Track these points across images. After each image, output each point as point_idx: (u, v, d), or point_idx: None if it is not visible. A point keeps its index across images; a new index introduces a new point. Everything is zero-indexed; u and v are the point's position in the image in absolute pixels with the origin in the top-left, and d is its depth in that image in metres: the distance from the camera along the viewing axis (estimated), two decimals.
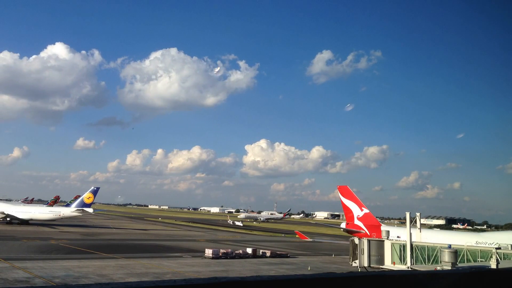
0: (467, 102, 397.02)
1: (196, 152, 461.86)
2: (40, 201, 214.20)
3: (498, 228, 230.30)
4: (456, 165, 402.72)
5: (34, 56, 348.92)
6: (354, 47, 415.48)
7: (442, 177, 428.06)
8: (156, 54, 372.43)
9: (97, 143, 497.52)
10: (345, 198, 68.77)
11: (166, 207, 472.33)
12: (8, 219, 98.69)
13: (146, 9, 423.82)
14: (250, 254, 60.23)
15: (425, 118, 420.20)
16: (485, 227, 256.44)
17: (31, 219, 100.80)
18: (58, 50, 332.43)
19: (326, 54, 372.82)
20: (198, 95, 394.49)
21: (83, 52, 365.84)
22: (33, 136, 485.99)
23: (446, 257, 28.04)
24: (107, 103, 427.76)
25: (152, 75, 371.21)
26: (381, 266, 37.93)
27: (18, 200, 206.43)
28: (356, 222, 66.52)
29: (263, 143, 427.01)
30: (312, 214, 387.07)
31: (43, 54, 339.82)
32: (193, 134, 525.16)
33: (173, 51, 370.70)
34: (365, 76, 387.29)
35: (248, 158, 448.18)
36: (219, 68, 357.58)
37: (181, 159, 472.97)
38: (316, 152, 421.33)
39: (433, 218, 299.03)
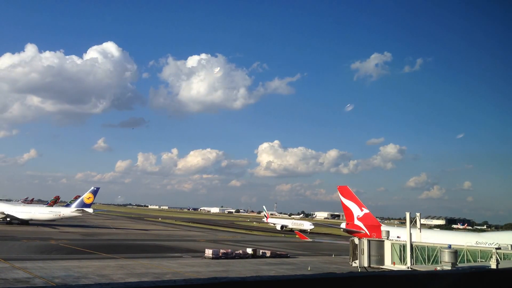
0: (477, 105, 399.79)
1: (209, 153, 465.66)
2: (40, 201, 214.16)
3: (498, 228, 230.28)
4: (471, 166, 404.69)
5: (72, 58, 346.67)
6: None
7: (453, 178, 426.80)
8: (193, 58, 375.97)
9: (116, 144, 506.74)
10: (345, 198, 68.80)
11: (166, 207, 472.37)
12: (8, 219, 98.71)
13: (191, 14, 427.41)
14: (250, 254, 60.24)
15: (441, 120, 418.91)
16: (485, 227, 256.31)
17: (31, 219, 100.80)
18: (96, 53, 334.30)
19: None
20: (226, 98, 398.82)
21: (122, 54, 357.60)
22: (56, 137, 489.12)
23: (446, 257, 28.02)
24: (138, 105, 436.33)
25: (185, 78, 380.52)
26: (381, 266, 37.91)
27: (18, 200, 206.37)
28: (356, 222, 66.55)
29: (276, 144, 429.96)
30: (312, 214, 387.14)
31: (80, 56, 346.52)
32: (213, 135, 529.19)
33: (206, 55, 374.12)
34: (385, 80, 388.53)
35: (260, 159, 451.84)
36: (218, 68, 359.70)
37: (194, 159, 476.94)
38: (331, 154, 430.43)
39: (433, 218, 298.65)
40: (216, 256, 55.77)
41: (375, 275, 4.02)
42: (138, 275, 41.01)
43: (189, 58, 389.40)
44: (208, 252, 56.49)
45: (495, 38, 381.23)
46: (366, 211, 66.76)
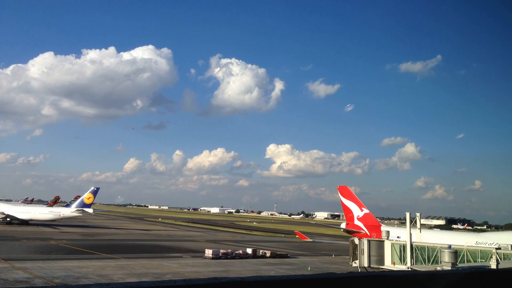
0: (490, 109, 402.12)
1: (220, 154, 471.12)
2: (40, 201, 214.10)
3: (498, 228, 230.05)
4: (480, 167, 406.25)
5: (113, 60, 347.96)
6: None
7: (462, 178, 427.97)
8: (227, 61, 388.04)
9: (135, 145, 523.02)
10: (345, 198, 68.72)
11: (166, 208, 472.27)
12: (8, 219, 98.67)
13: (229, 18, 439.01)
14: (250, 254, 60.22)
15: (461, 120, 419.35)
16: (485, 227, 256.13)
17: (31, 220, 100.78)
18: (137, 54, 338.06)
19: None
20: (257, 101, 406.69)
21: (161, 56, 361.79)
22: (79, 137, 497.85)
23: (446, 257, 27.97)
24: (164, 107, 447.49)
25: (218, 81, 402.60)
26: (381, 267, 37.87)
27: (18, 201, 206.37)
28: (356, 222, 66.48)
29: (287, 146, 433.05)
30: (312, 214, 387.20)
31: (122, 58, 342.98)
32: (234, 137, 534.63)
33: (237, 60, 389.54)
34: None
35: (271, 160, 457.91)
36: (219, 68, 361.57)
37: (205, 160, 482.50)
38: (349, 155, 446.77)
39: (433, 218, 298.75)
40: (216, 256, 55.75)
41: (375, 275, 4.02)
42: (138, 275, 40.99)
43: (222, 62, 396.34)
44: (208, 252, 56.47)
45: None
46: (366, 211, 66.69)
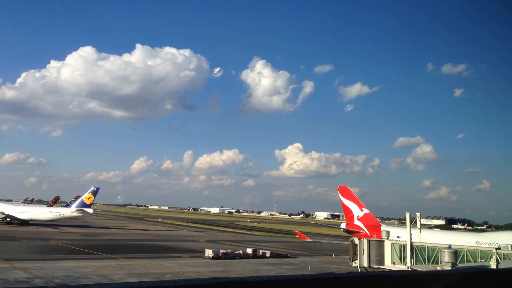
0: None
1: (229, 155, 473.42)
2: (40, 202, 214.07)
3: (498, 228, 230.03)
4: (486, 167, 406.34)
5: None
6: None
7: (469, 179, 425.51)
8: (258, 64, 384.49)
9: (149, 145, 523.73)
10: (345, 198, 68.73)
11: (166, 208, 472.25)
12: (8, 219, 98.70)
13: (252, 20, 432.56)
14: (250, 254, 60.24)
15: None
16: (485, 227, 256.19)
17: (31, 220, 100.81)
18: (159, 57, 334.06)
19: None
20: (280, 104, 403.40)
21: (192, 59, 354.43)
22: (98, 138, 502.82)
23: (446, 257, 27.98)
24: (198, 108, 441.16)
25: (244, 85, 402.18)
26: (381, 267, 37.88)
27: (18, 201, 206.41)
28: (356, 222, 66.50)
29: (297, 146, 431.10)
30: (312, 214, 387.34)
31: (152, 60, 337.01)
32: (248, 138, 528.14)
33: (263, 61, 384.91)
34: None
35: (280, 161, 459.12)
36: (218, 68, 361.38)
37: (213, 161, 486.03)
38: (361, 157, 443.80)
39: (433, 218, 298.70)
40: (216, 256, 55.77)
41: (375, 275, 4.02)
42: (138, 275, 41.00)
43: (251, 65, 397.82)
44: (208, 252, 56.49)
45: None
46: (366, 211, 66.71)
